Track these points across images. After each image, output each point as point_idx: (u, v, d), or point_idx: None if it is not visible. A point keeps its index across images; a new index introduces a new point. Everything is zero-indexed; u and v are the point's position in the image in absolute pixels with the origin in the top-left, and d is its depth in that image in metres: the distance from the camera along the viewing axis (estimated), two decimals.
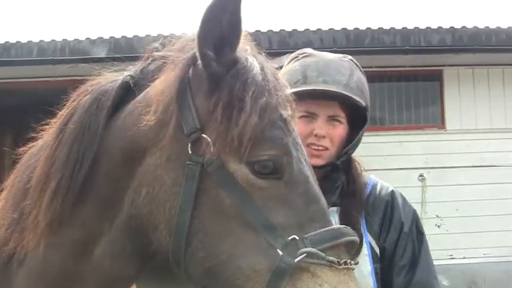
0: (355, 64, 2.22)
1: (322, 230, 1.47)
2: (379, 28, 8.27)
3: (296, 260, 1.40)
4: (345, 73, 2.13)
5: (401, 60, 8.49)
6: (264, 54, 1.65)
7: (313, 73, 2.12)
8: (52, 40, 8.30)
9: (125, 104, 1.64)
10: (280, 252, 1.41)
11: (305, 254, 1.40)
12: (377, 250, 2.14)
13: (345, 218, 2.11)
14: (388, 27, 8.28)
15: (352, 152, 2.20)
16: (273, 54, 7.22)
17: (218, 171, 1.47)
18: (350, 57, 2.25)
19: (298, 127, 2.09)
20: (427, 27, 8.32)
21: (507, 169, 8.71)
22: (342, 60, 2.19)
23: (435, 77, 8.94)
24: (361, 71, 2.23)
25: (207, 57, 1.48)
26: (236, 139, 1.44)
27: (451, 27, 8.39)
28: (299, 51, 2.27)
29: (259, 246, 1.43)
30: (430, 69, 8.86)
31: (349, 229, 1.54)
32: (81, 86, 1.72)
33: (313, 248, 1.42)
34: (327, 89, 2.07)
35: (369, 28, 8.25)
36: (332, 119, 2.13)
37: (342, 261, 1.44)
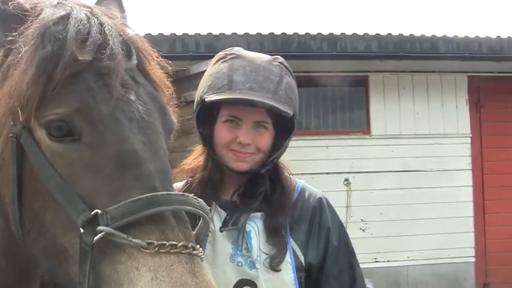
0: (285, 68, 2.12)
1: (129, 200, 1.20)
2: (306, 33, 8.32)
3: (95, 239, 1.18)
4: (273, 79, 2.03)
5: (328, 65, 8.57)
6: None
7: (240, 78, 2.00)
8: None
9: None
10: (82, 230, 1.20)
11: (103, 233, 1.18)
12: (302, 259, 2.06)
13: (270, 224, 2.05)
14: (315, 33, 8.34)
15: (277, 160, 2.13)
16: (200, 57, 7.09)
17: (27, 141, 1.28)
18: (281, 59, 2.14)
19: (221, 132, 2.03)
20: (353, 34, 8.42)
21: (427, 174, 8.89)
22: (272, 65, 2.08)
23: (361, 83, 9.07)
24: (291, 74, 2.12)
25: None
26: (24, 99, 1.25)
27: (377, 34, 8.52)
28: (227, 51, 2.13)
29: (65, 225, 1.24)
30: (356, 74, 8.97)
31: (175, 197, 1.26)
32: None
33: (114, 223, 1.18)
34: (253, 99, 1.96)
35: (296, 33, 8.29)
36: (257, 125, 2.04)
37: (156, 244, 1.18)
